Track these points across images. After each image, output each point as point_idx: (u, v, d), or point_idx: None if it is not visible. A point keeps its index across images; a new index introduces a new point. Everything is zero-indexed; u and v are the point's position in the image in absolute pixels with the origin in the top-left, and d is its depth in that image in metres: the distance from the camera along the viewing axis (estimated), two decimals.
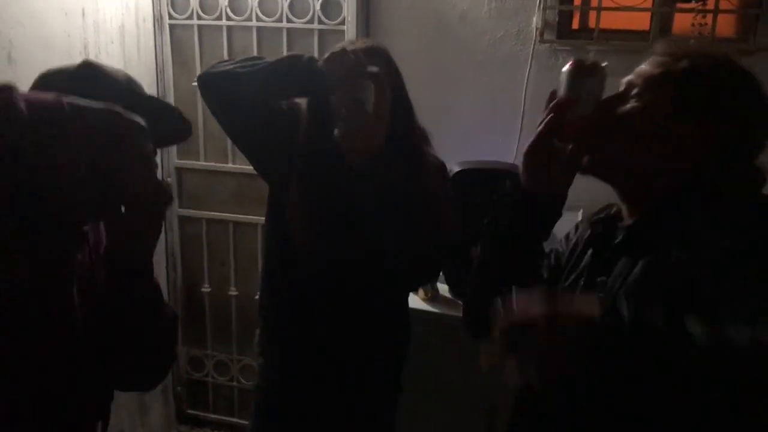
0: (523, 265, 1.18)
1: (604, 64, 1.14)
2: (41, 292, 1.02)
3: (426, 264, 1.67)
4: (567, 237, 1.31)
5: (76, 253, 1.11)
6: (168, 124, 1.24)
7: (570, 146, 1.12)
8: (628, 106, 1.07)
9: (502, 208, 1.19)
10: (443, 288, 2.25)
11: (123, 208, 1.05)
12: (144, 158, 1.03)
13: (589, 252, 1.18)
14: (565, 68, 1.14)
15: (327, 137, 1.51)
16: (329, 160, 1.57)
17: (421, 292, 2.23)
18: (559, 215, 1.18)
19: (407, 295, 1.90)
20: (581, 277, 1.15)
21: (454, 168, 2.19)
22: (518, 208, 1.17)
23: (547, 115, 1.12)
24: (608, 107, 1.10)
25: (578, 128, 1.10)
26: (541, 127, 1.12)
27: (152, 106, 1.17)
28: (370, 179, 1.51)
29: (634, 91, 1.08)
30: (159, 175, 2.70)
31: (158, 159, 2.79)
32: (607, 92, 1.14)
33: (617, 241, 1.10)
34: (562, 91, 1.13)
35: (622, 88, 1.12)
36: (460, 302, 2.17)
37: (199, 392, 3.16)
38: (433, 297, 2.22)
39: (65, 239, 1.08)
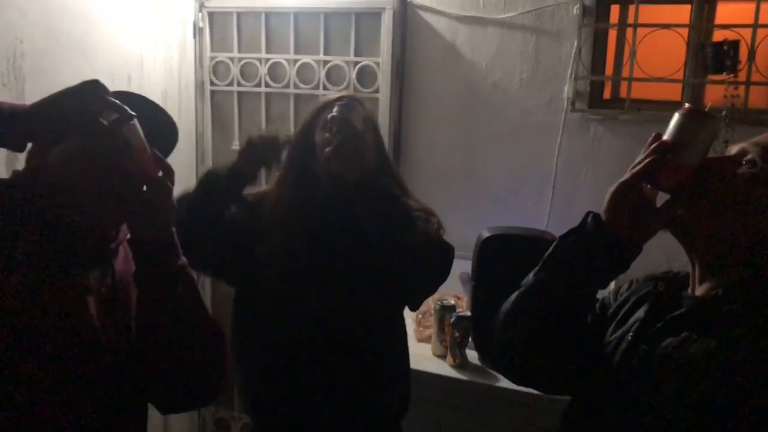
0: (572, 306, 1.09)
1: (722, 114, 1.05)
2: (55, 309, 1.05)
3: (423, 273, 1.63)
4: (618, 290, 1.21)
5: (93, 271, 1.13)
6: (158, 127, 1.24)
7: (667, 195, 1.03)
8: (740, 170, 0.98)
9: (571, 242, 1.07)
10: (472, 355, 2.22)
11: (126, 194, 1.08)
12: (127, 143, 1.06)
13: (643, 310, 1.08)
14: (678, 111, 1.03)
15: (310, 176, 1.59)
16: (316, 188, 1.62)
17: (449, 358, 2.20)
18: (627, 267, 1.06)
19: (404, 340, 1.83)
20: (627, 334, 1.06)
21: (484, 233, 2.19)
22: (588, 247, 1.05)
23: (646, 157, 1.01)
24: (716, 165, 1.00)
25: (677, 178, 1.00)
26: (637, 168, 1.01)
27: (142, 107, 1.19)
28: (365, 190, 1.55)
29: (748, 156, 0.99)
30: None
31: None
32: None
33: (681, 311, 1.01)
34: (668, 135, 1.02)
35: (733, 152, 1.03)
36: (489, 369, 2.15)
37: None
38: (462, 364, 2.19)
39: (80, 255, 1.11)
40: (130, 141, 1.07)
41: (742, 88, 2.26)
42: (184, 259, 1.15)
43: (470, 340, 2.20)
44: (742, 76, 2.25)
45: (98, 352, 1.10)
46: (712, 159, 1.02)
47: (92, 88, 1.08)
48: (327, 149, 1.55)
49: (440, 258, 1.62)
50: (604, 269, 1.06)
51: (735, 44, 2.23)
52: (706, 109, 1.04)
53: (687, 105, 1.04)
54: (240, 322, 1.75)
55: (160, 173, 1.11)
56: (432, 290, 1.69)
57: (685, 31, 2.32)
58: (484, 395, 2.10)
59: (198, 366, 1.16)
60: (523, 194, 2.57)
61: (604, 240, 1.03)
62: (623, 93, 2.44)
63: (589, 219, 1.05)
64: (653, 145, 1.02)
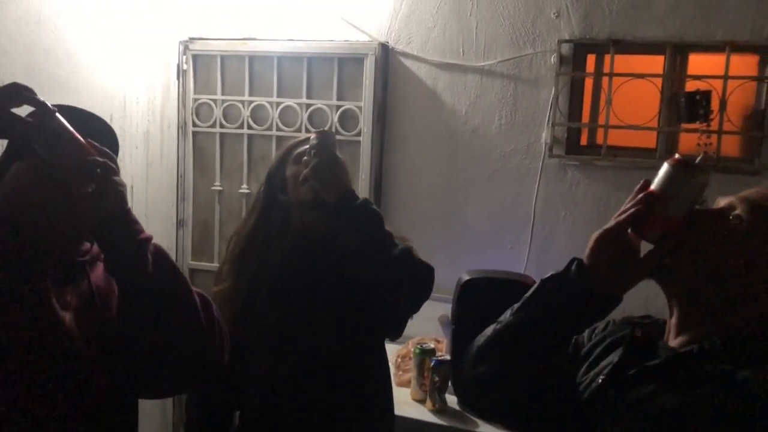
0: (546, 348, 1.08)
1: (708, 165, 1.04)
2: (27, 332, 1.05)
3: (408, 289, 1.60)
4: (593, 330, 1.19)
5: (67, 286, 1.13)
6: (96, 136, 1.21)
7: (651, 243, 1.01)
8: (728, 225, 0.97)
9: (552, 286, 1.06)
10: (452, 399, 2.20)
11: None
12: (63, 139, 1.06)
13: (617, 354, 1.06)
14: (668, 162, 1.01)
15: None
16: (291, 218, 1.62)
17: (428, 402, 2.18)
18: (605, 317, 1.06)
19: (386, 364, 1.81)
20: (598, 377, 1.05)
21: (464, 276, 2.20)
22: (569, 293, 1.03)
23: (633, 205, 1.00)
24: (703, 218, 0.99)
25: (663, 229, 0.99)
26: (623, 216, 1.00)
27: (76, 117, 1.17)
28: (345, 210, 1.52)
29: (735, 212, 0.98)
30: None
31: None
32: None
33: (656, 362, 0.99)
34: (656, 185, 1.00)
35: (720, 205, 1.02)
36: (468, 414, 2.13)
37: None
38: (441, 409, 2.17)
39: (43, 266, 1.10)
40: (58, 132, 1.07)
41: (714, 137, 2.32)
42: (147, 233, 1.14)
43: (450, 384, 2.18)
44: (714, 125, 2.32)
45: (79, 365, 1.10)
46: (699, 211, 1.01)
47: (10, 89, 1.07)
48: (304, 171, 1.54)
49: (423, 274, 1.59)
50: (582, 316, 1.05)
51: (707, 94, 2.31)
52: (696, 161, 1.02)
53: (677, 156, 1.02)
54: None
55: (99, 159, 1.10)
56: (415, 308, 1.64)
57: (659, 81, 2.39)
58: None
59: (189, 338, 1.15)
60: (502, 237, 2.59)
61: (585, 288, 1.01)
62: (600, 140, 2.49)
63: (573, 265, 1.04)
64: (640, 195, 1.00)
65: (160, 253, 1.15)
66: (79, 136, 1.09)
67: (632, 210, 1.00)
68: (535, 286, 1.09)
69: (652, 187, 1.01)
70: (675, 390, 0.93)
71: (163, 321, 1.12)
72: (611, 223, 1.01)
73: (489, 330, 1.12)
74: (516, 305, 1.10)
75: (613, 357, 1.07)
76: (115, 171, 1.11)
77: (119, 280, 1.13)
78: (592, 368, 1.10)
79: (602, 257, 1.00)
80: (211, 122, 2.87)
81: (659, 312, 1.15)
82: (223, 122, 2.85)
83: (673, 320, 1.03)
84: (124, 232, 1.11)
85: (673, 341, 1.02)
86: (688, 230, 0.98)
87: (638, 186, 1.03)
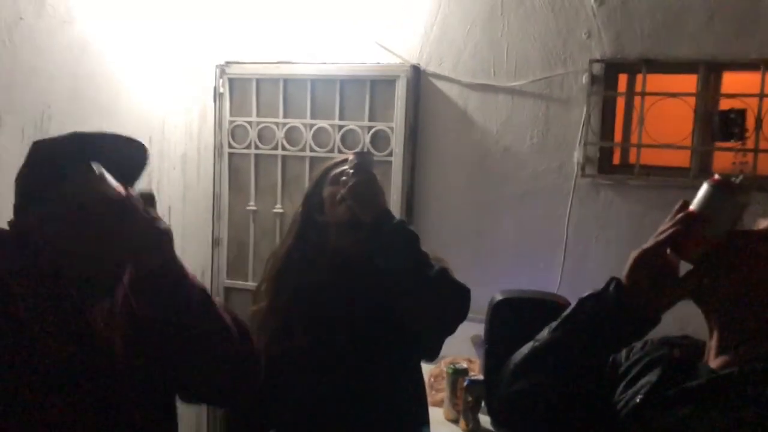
0: (583, 367, 1.08)
1: (749, 188, 1.05)
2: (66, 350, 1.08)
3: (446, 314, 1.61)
4: (631, 349, 1.17)
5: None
6: (130, 157, 1.27)
7: (690, 264, 1.01)
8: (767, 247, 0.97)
9: (591, 305, 1.06)
10: (485, 420, 2.20)
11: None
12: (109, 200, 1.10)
13: (656, 373, 1.06)
14: (707, 182, 1.01)
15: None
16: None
17: (462, 423, 2.18)
18: (642, 337, 1.06)
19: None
20: (636, 396, 1.05)
21: (496, 297, 2.20)
22: (607, 312, 1.03)
23: (672, 226, 0.99)
24: (743, 239, 0.99)
25: (703, 249, 0.98)
26: (662, 236, 0.99)
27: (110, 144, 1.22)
28: (382, 230, 1.53)
29: None
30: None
31: (206, 276, 2.89)
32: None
33: (696, 383, 0.98)
34: (696, 205, 1.00)
35: (761, 227, 1.01)
36: None
37: None
38: (475, 429, 2.16)
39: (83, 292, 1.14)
40: (107, 194, 1.10)
41: (750, 155, 2.30)
42: (192, 278, 1.20)
43: (483, 404, 2.18)
44: (750, 144, 2.29)
45: (117, 378, 1.14)
46: (739, 232, 1.00)
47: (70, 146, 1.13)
48: (341, 191, 1.55)
49: (459, 295, 1.60)
50: (619, 336, 1.05)
51: (742, 113, 2.29)
52: (737, 181, 1.01)
53: (716, 176, 1.01)
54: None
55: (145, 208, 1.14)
56: (451, 330, 1.64)
57: (692, 100, 2.38)
58: None
59: (222, 368, 1.21)
60: (534, 257, 2.59)
61: (624, 308, 1.01)
62: (632, 159, 2.48)
63: (612, 285, 1.03)
64: (679, 215, 1.00)
65: (204, 301, 1.20)
66: (124, 189, 1.13)
67: (671, 230, 0.99)
68: (574, 304, 1.08)
69: (692, 207, 1.00)
70: (715, 412, 0.92)
71: (198, 355, 1.18)
72: (650, 242, 1.01)
73: (526, 348, 1.12)
74: (554, 324, 1.10)
75: (651, 377, 1.07)
76: (155, 220, 1.15)
77: (160, 321, 1.17)
78: (629, 387, 1.10)
79: (641, 277, 1.00)
80: (246, 144, 2.93)
81: (696, 333, 1.14)
82: (258, 144, 2.91)
83: (713, 341, 1.03)
84: (168, 287, 1.15)
85: (713, 362, 1.01)
86: (728, 251, 0.98)
87: (677, 206, 1.02)
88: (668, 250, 1.01)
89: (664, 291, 1.00)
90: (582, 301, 1.07)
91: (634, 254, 1.02)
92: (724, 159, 2.37)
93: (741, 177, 1.04)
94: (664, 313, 1.03)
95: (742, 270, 0.97)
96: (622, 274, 1.03)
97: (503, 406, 1.18)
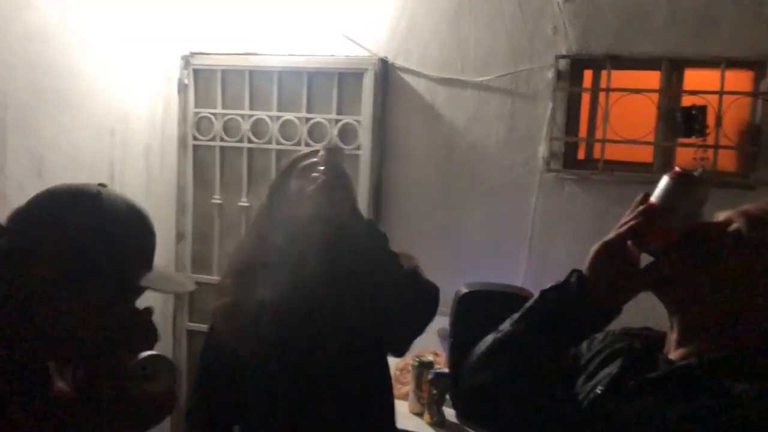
0: (545, 358, 1.08)
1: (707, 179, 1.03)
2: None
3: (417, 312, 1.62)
4: (591, 340, 1.18)
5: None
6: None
7: (651, 256, 1.02)
8: (728, 239, 0.98)
9: (553, 297, 1.06)
10: (449, 412, 2.21)
11: None
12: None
13: (616, 365, 1.07)
14: (668, 175, 1.01)
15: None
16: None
17: (426, 415, 2.19)
18: (604, 327, 1.06)
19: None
20: (597, 387, 1.06)
21: (461, 290, 2.21)
22: (569, 304, 1.04)
23: (634, 218, 1.00)
24: (702, 231, 1.00)
25: (663, 241, 0.99)
26: (623, 229, 1.00)
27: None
28: (350, 230, 1.53)
29: (734, 226, 0.98)
30: None
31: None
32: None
33: (658, 374, 0.99)
34: (656, 198, 1.00)
35: (719, 220, 1.02)
36: (466, 427, 2.13)
37: None
38: (439, 422, 2.17)
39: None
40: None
41: (710, 152, 2.34)
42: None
43: (448, 397, 2.19)
44: (710, 140, 2.34)
45: None
46: (699, 225, 1.01)
47: None
48: (311, 187, 1.53)
49: (428, 295, 1.60)
50: (581, 327, 1.06)
51: (703, 109, 2.33)
52: (696, 174, 1.02)
53: (676, 169, 1.02)
54: None
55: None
56: (421, 330, 1.65)
57: (655, 96, 2.42)
58: None
59: None
60: (499, 251, 2.60)
61: (585, 299, 1.02)
62: (597, 154, 2.51)
63: (573, 277, 1.04)
64: (641, 208, 1.01)
65: None
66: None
67: (632, 222, 1.00)
68: (536, 296, 1.09)
69: (652, 199, 1.01)
70: (674, 403, 0.93)
71: None
72: (611, 235, 1.02)
73: (488, 339, 1.13)
74: (516, 315, 1.11)
75: (612, 368, 1.08)
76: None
77: None
78: (590, 379, 1.11)
79: (602, 269, 1.01)
80: (211, 136, 2.89)
81: (658, 325, 1.14)
82: (224, 136, 2.87)
83: (674, 333, 1.04)
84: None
85: (673, 353, 1.02)
86: (688, 243, 0.99)
87: (638, 198, 1.03)
88: (629, 242, 1.01)
89: (626, 282, 1.01)
90: (543, 293, 1.08)
91: (595, 247, 1.02)
92: (686, 155, 2.41)
93: (700, 170, 1.05)
94: (625, 305, 1.03)
95: (702, 262, 0.98)
96: (584, 266, 1.03)
97: (466, 397, 1.19)
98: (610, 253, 1.01)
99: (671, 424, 0.92)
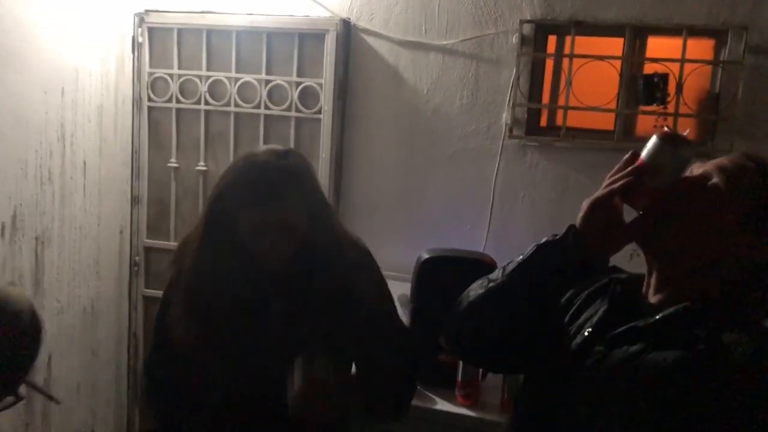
0: (538, 305, 1.14)
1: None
2: None
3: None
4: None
5: None
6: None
7: (638, 211, 1.08)
8: (707, 193, 1.05)
9: (549, 251, 1.11)
10: None
11: None
12: None
13: (602, 309, 1.14)
14: (656, 135, 1.07)
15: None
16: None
17: None
18: (590, 276, 1.15)
19: None
20: (584, 328, 1.13)
21: (423, 255, 2.21)
22: (564, 257, 1.10)
23: (624, 176, 1.05)
24: (685, 184, 1.06)
25: (651, 198, 1.05)
26: (614, 186, 1.05)
27: None
28: (286, 283, 1.48)
29: (713, 180, 1.05)
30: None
31: (125, 235, 2.78)
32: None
33: (645, 322, 1.05)
34: (646, 156, 1.06)
35: (696, 173, 1.08)
36: (426, 392, 2.15)
37: None
38: None
39: None
40: None
41: (671, 120, 2.36)
42: None
43: None
44: (671, 108, 2.35)
45: None
46: (682, 180, 1.07)
47: None
48: (256, 248, 1.47)
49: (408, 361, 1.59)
50: (573, 278, 1.13)
51: (664, 77, 2.34)
52: (684, 134, 1.08)
53: (666, 129, 1.09)
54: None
55: None
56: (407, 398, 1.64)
57: (618, 63, 2.42)
58: (422, 418, 2.09)
59: None
60: (461, 217, 2.60)
61: (580, 252, 1.08)
62: (559, 121, 2.51)
63: (571, 232, 1.09)
64: (631, 167, 1.06)
65: None
66: None
67: (624, 181, 1.05)
68: (532, 249, 1.13)
69: (641, 157, 1.07)
70: (664, 349, 1.00)
71: None
72: (603, 191, 1.07)
73: (479, 288, 1.19)
74: (509, 266, 1.15)
75: (595, 310, 1.15)
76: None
77: None
78: (574, 320, 1.17)
79: (594, 223, 1.07)
80: (167, 97, 2.80)
81: (619, 264, 1.22)
82: (180, 97, 2.78)
83: (653, 279, 1.11)
84: None
85: (652, 299, 1.10)
86: (672, 198, 1.05)
87: (627, 156, 1.08)
88: (617, 198, 1.07)
89: (614, 235, 1.07)
90: (541, 246, 1.12)
91: (586, 202, 1.08)
92: (647, 123, 2.42)
93: (687, 131, 1.11)
94: (612, 256, 1.10)
95: (683, 214, 1.04)
96: (577, 220, 1.08)
97: (456, 341, 1.26)
98: (600, 209, 1.07)
99: (663, 370, 0.98)
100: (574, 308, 1.20)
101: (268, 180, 1.42)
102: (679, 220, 1.05)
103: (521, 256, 1.14)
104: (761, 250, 1.03)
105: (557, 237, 1.10)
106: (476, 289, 1.19)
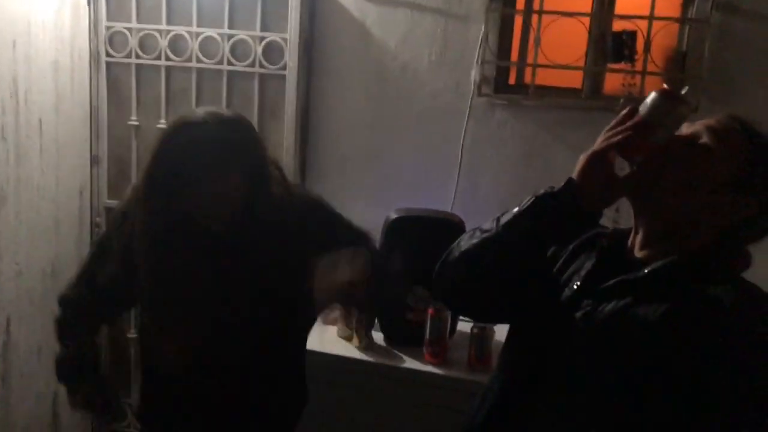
0: (532, 256, 1.16)
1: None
2: None
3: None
4: None
5: None
6: None
7: (633, 165, 1.10)
8: (698, 152, 1.07)
9: (547, 204, 1.12)
10: (377, 336, 2.23)
11: None
12: None
13: (590, 262, 1.17)
14: (656, 91, 1.08)
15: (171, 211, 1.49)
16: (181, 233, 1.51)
17: (355, 339, 2.19)
18: (584, 230, 1.17)
19: (303, 358, 1.82)
20: (572, 282, 1.15)
21: (391, 215, 2.19)
22: (561, 209, 1.11)
23: (624, 130, 1.06)
24: (676, 143, 1.08)
25: (647, 153, 1.07)
26: (612, 140, 1.06)
27: None
28: (230, 240, 1.49)
29: (702, 140, 1.08)
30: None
31: (85, 196, 2.71)
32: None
33: (634, 276, 1.08)
34: (644, 112, 1.07)
35: (685, 132, 1.10)
36: (394, 350, 2.16)
37: None
38: (368, 346, 2.18)
39: None
40: None
41: (638, 78, 2.35)
42: None
43: (376, 321, 2.20)
44: (639, 66, 2.35)
45: None
46: (680, 138, 1.09)
47: None
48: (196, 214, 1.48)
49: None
50: (568, 231, 1.16)
51: (633, 35, 2.33)
52: (683, 92, 1.10)
53: (665, 86, 1.09)
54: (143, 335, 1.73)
55: None
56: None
57: (587, 20, 2.39)
58: (390, 376, 2.11)
59: None
60: (429, 176, 2.58)
61: (577, 205, 1.09)
62: (527, 79, 2.49)
63: (569, 185, 1.09)
64: (630, 122, 1.07)
65: None
66: None
67: (623, 134, 1.06)
68: (529, 201, 1.13)
69: (640, 113, 1.08)
70: (653, 303, 1.03)
71: None
72: (601, 145, 1.07)
73: (472, 238, 1.19)
74: (504, 217, 1.16)
75: (581, 263, 1.18)
76: None
77: None
78: (560, 273, 1.19)
79: (592, 176, 1.07)
80: (126, 52, 2.70)
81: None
82: (139, 53, 2.69)
83: (640, 234, 1.14)
84: None
85: (639, 253, 1.13)
86: (665, 154, 1.07)
87: (625, 111, 1.09)
88: (612, 153, 1.08)
89: (608, 189, 1.08)
90: (538, 199, 1.12)
91: (584, 156, 1.09)
92: (615, 81, 2.42)
93: (686, 89, 1.12)
94: (607, 206, 1.11)
95: (674, 172, 1.07)
96: (575, 173, 1.09)
97: (448, 289, 1.27)
98: (598, 162, 1.07)
99: (652, 324, 1.01)
100: (560, 262, 1.21)
101: (204, 148, 1.41)
102: (671, 176, 1.06)
103: (517, 208, 1.14)
104: (744, 209, 1.06)
105: (555, 189, 1.10)
106: (468, 239, 1.20)
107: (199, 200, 1.45)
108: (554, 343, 1.11)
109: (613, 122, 1.09)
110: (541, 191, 1.12)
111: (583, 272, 1.15)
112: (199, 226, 1.51)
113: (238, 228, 1.50)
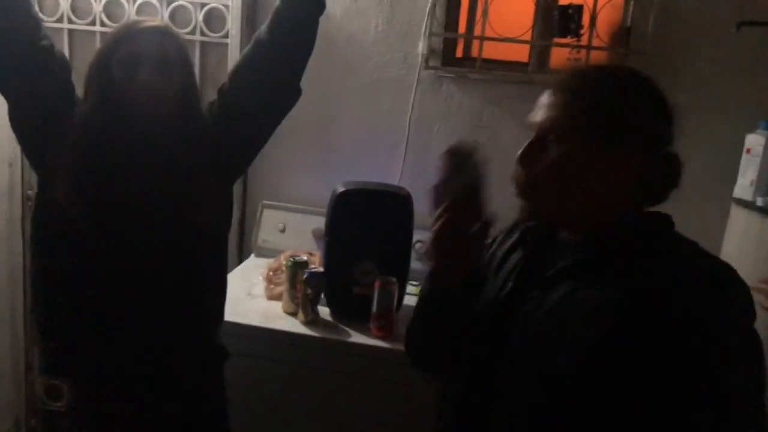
0: (453, 312, 1.18)
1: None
2: None
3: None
4: (495, 237, 1.27)
5: None
6: None
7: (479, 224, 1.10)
8: (551, 152, 1.03)
9: (424, 288, 1.20)
10: (323, 311, 2.20)
11: None
12: None
13: (519, 257, 1.15)
14: (441, 156, 1.09)
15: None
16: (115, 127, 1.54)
17: (300, 315, 2.16)
18: (479, 285, 1.18)
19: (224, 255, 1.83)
20: (507, 283, 1.14)
21: (338, 188, 2.16)
22: (432, 296, 1.18)
23: (442, 214, 1.07)
24: (531, 156, 1.05)
25: (478, 216, 1.07)
26: (436, 229, 1.08)
27: None
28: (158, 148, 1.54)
29: (551, 137, 1.03)
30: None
31: (17, 171, 2.58)
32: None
33: (573, 260, 1.05)
34: (443, 178, 1.08)
35: (532, 121, 1.07)
36: (340, 325, 2.14)
37: (57, 425, 2.91)
38: (313, 321, 2.16)
39: None
40: None
41: (583, 52, 2.37)
42: None
43: (322, 296, 2.17)
44: (584, 41, 2.36)
45: None
46: (527, 150, 1.06)
47: None
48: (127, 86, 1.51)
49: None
50: (453, 306, 1.17)
51: (579, 9, 2.34)
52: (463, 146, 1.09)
53: (446, 151, 1.09)
54: (40, 253, 1.64)
55: None
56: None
57: None
58: (336, 351, 2.09)
59: None
60: (377, 149, 2.55)
61: (438, 290, 1.16)
62: (475, 52, 2.47)
63: (427, 276, 1.17)
64: (441, 208, 1.08)
65: None
66: None
67: (444, 219, 1.08)
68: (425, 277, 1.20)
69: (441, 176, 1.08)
70: (598, 286, 0.99)
71: None
72: (431, 237, 1.10)
73: (417, 306, 1.26)
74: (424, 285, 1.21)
75: (513, 263, 1.16)
76: None
77: None
78: (498, 271, 1.18)
79: (441, 259, 1.12)
80: (57, 16, 2.56)
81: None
82: (72, 17, 2.56)
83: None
84: None
85: (564, 234, 1.11)
86: (528, 175, 1.06)
87: (433, 194, 1.09)
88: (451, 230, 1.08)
89: (467, 250, 1.10)
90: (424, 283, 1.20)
91: (426, 247, 1.12)
92: (561, 55, 2.42)
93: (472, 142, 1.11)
94: (466, 276, 1.12)
95: (549, 180, 1.05)
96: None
97: (420, 356, 1.34)
98: (445, 242, 1.09)
99: (591, 309, 0.97)
100: (494, 264, 1.21)
101: (153, 38, 1.52)
102: (546, 185, 1.04)
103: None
104: (630, 164, 1.01)
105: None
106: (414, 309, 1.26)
107: (139, 88, 1.50)
108: (500, 339, 1.09)
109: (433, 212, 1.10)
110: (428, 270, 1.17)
111: (515, 273, 1.14)
112: (134, 122, 1.52)
113: (168, 132, 1.55)
